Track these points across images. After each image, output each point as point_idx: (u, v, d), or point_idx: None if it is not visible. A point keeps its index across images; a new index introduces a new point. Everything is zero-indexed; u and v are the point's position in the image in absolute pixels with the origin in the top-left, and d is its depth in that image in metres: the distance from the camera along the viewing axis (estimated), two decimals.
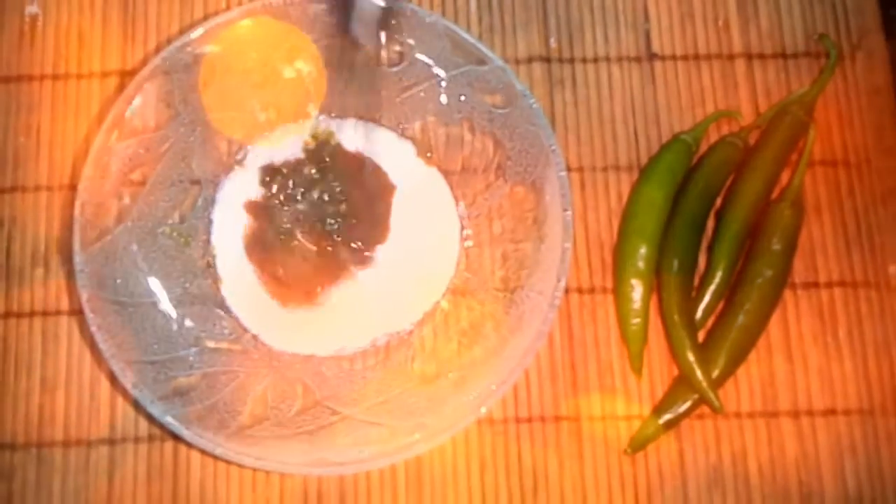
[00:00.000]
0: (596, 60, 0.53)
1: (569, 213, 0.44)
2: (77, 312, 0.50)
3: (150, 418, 0.48)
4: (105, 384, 0.49)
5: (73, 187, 0.52)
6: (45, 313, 0.50)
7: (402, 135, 0.50)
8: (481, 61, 0.47)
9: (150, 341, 0.46)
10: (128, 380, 0.42)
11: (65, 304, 0.50)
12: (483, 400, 0.42)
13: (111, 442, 0.48)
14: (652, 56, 0.54)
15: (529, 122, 0.45)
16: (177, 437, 0.47)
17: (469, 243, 0.49)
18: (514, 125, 0.47)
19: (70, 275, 0.50)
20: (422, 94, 0.49)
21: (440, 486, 0.47)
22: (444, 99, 0.49)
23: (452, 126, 0.50)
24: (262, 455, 0.41)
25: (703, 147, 0.51)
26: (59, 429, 0.48)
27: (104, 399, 0.49)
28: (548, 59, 0.53)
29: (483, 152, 0.49)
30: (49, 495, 0.47)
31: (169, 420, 0.43)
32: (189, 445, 0.47)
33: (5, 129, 0.52)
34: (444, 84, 0.49)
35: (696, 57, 0.54)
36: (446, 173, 0.50)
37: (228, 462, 0.44)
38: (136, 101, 0.46)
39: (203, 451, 0.47)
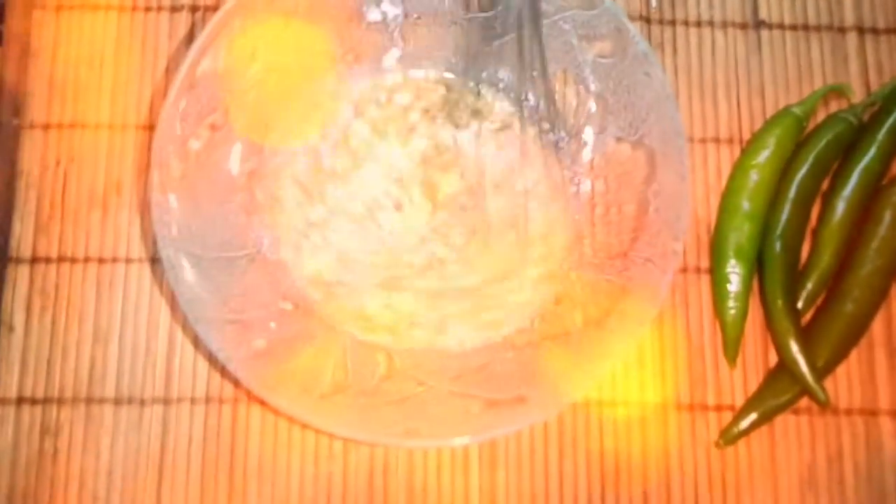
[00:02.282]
0: (699, 24, 0.48)
1: (685, 166, 0.38)
2: (135, 261, 0.45)
3: (209, 378, 0.44)
4: (163, 339, 0.44)
5: (136, 127, 0.47)
6: (100, 260, 0.45)
7: (494, 88, 0.45)
8: (589, 4, 0.41)
9: (225, 299, 0.40)
10: (211, 340, 0.37)
11: (122, 252, 0.45)
12: (590, 375, 0.37)
13: (166, 402, 0.43)
14: (759, 23, 0.48)
15: (641, 72, 0.40)
16: (236, 401, 0.43)
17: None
18: (621, 76, 0.41)
19: (130, 220, 0.45)
20: (515, 42, 0.44)
21: (515, 469, 0.43)
22: (541, 47, 0.43)
23: (543, 77, 0.44)
24: (347, 423, 0.36)
25: (812, 123, 0.46)
26: (111, 385, 0.43)
27: (161, 355, 0.44)
28: (647, 20, 0.48)
29: (581, 107, 0.43)
30: (97, 454, 0.43)
31: (253, 383, 0.37)
32: (254, 408, 0.42)
33: (66, 60, 0.47)
34: (543, 31, 0.43)
35: (806, 27, 0.48)
36: (541, 129, 0.45)
37: (309, 428, 0.40)
38: (216, 42, 0.41)
39: (265, 417, 0.43)
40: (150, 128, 0.47)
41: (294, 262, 0.43)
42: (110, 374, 0.44)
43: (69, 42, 0.48)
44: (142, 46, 0.48)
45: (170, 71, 0.47)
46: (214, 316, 0.39)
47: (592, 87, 0.43)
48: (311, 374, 0.39)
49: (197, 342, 0.44)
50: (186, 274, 0.39)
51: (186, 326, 0.44)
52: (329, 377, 0.39)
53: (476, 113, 0.45)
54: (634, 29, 0.40)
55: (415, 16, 0.45)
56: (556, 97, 0.44)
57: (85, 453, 0.43)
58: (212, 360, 0.44)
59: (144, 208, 0.46)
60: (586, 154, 0.43)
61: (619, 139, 0.42)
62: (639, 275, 0.38)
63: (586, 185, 0.43)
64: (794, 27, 0.48)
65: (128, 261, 0.45)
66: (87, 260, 0.45)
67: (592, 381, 0.37)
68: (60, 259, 0.45)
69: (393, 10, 0.45)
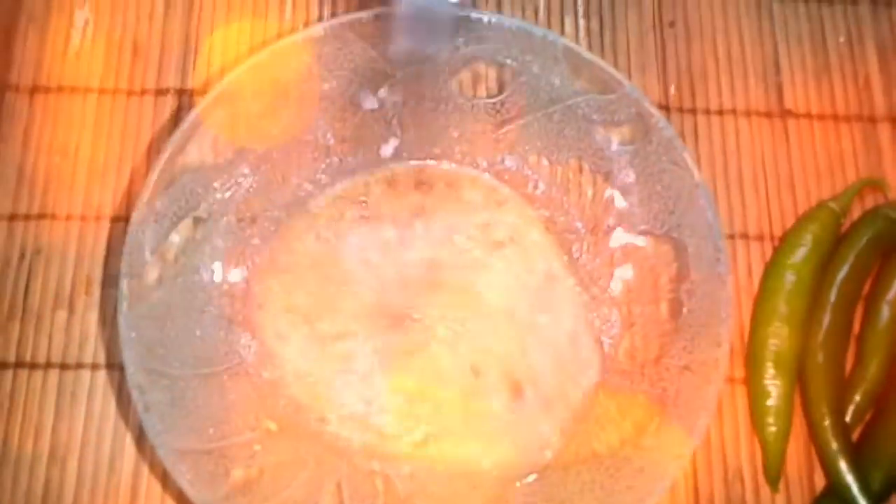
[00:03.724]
0: (721, 113, 0.45)
1: (725, 261, 0.34)
2: (101, 367, 0.40)
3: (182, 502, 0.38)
4: (129, 460, 0.38)
5: (112, 219, 0.42)
6: (63, 366, 0.40)
7: (498, 178, 0.41)
8: (607, 88, 0.37)
9: (201, 424, 0.35)
10: (182, 474, 0.32)
11: (88, 358, 0.40)
12: None
13: None
14: (785, 112, 0.45)
15: (667, 160, 0.36)
16: None
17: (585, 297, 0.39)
18: (644, 164, 0.37)
19: (100, 322, 0.40)
20: (524, 128, 0.40)
21: None
22: (552, 134, 0.40)
23: (559, 166, 0.40)
24: None
25: (846, 222, 0.42)
26: None
27: (125, 479, 0.38)
28: (667, 108, 0.44)
29: (599, 197, 0.39)
30: None
31: None
32: None
33: (38, 147, 0.43)
34: (555, 116, 0.39)
35: (835, 117, 0.45)
36: (550, 222, 0.41)
37: None
38: (199, 132, 0.37)
39: None
40: (127, 219, 0.42)
41: (281, 377, 0.38)
42: (67, 495, 0.38)
43: (43, 126, 0.44)
44: (122, 132, 0.44)
45: (151, 158, 0.43)
46: (187, 446, 0.34)
47: (612, 175, 0.38)
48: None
49: None
50: (156, 397, 0.34)
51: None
52: None
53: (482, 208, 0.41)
54: (658, 113, 0.36)
55: (413, 102, 0.41)
56: (570, 186, 0.40)
57: None
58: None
59: (115, 312, 0.41)
60: (606, 247, 0.39)
61: (643, 233, 0.38)
62: (676, 386, 0.33)
63: (607, 284, 0.38)
64: (822, 117, 0.45)
65: (94, 367, 0.40)
66: (48, 366, 0.40)
67: None
68: (18, 364, 0.40)
69: (391, 98, 0.41)
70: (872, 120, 0.45)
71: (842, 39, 0.46)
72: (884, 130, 0.45)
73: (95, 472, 0.38)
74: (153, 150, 0.43)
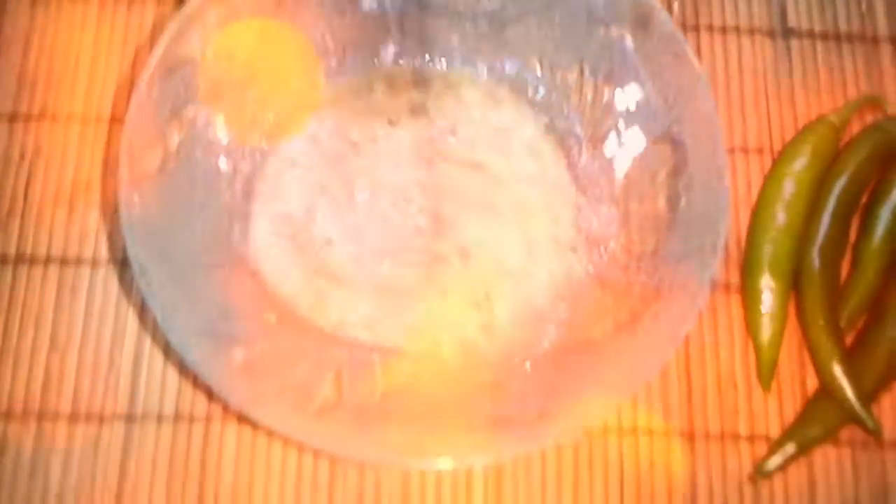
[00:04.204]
0: (724, 31, 0.45)
1: (722, 152, 0.34)
2: (101, 263, 0.40)
3: (179, 394, 0.38)
4: (128, 350, 0.39)
5: (110, 121, 0.42)
6: (63, 261, 0.40)
7: (498, 79, 0.41)
8: None
9: (205, 310, 0.35)
10: (187, 352, 0.32)
11: (88, 253, 0.40)
12: (619, 388, 0.32)
13: (129, 419, 0.38)
14: (788, 31, 0.45)
15: (669, 53, 0.36)
16: (209, 419, 0.38)
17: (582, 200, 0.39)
18: (644, 61, 0.37)
19: (99, 220, 0.41)
20: (525, 31, 0.40)
21: (524, 499, 0.37)
22: (553, 37, 0.39)
23: (560, 69, 0.40)
24: (345, 441, 0.31)
25: (846, 136, 0.42)
26: (67, 398, 0.38)
27: (125, 368, 0.38)
28: None
29: (597, 99, 0.39)
30: (46, 476, 0.37)
31: (236, 400, 0.32)
32: (229, 428, 0.37)
33: (39, 51, 0.43)
34: (556, 18, 0.39)
35: (837, 37, 0.45)
36: (549, 127, 0.41)
37: (291, 451, 0.36)
38: (197, 25, 0.37)
39: (242, 438, 0.37)
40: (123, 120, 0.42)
41: (281, 271, 0.38)
42: (67, 386, 0.38)
43: (44, 33, 0.44)
44: (123, 38, 0.44)
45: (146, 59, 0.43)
46: (191, 326, 0.34)
47: (612, 76, 0.38)
48: (303, 390, 0.34)
49: (167, 354, 0.39)
50: (158, 280, 0.34)
51: (156, 337, 0.39)
52: (323, 393, 0.34)
53: (480, 106, 0.41)
54: (659, 6, 0.36)
55: (415, 6, 0.41)
56: (571, 90, 0.40)
57: (33, 476, 0.37)
58: (183, 374, 0.38)
59: (115, 208, 0.41)
60: (607, 148, 0.39)
61: (643, 130, 0.38)
62: (673, 276, 0.34)
63: (606, 185, 0.39)
64: (824, 36, 0.45)
65: (94, 263, 0.40)
66: (48, 261, 0.40)
67: (621, 396, 0.32)
68: (18, 259, 0.40)
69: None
70: (875, 40, 0.45)
71: None
72: (885, 51, 0.45)
73: (95, 361, 0.38)
74: (147, 51, 0.43)
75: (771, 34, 0.45)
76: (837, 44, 0.45)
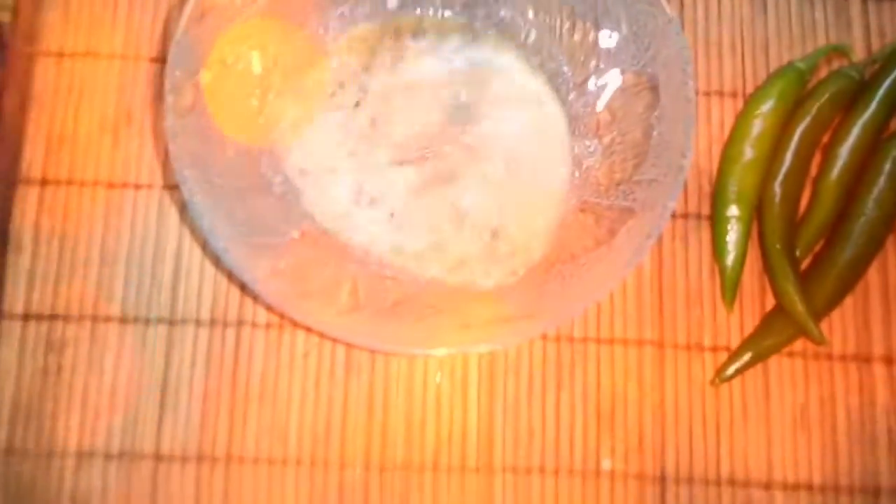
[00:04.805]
0: None
1: (690, 86, 0.38)
2: (143, 187, 0.45)
3: (214, 302, 0.44)
4: (169, 263, 0.44)
5: (149, 59, 0.47)
6: (109, 185, 0.45)
7: (496, 28, 0.45)
8: None
9: (239, 224, 0.40)
10: (230, 258, 0.37)
11: (132, 178, 0.45)
12: (598, 290, 0.37)
13: (171, 322, 0.43)
14: None
15: (644, 2, 0.40)
16: (240, 324, 0.43)
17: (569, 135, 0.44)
18: (623, 6, 0.41)
19: (140, 148, 0.45)
20: None
21: (513, 400, 0.43)
22: None
23: (546, 14, 0.44)
24: (365, 335, 0.36)
25: (814, 81, 0.47)
26: (117, 304, 0.43)
27: (166, 278, 0.44)
28: None
29: (584, 42, 0.43)
30: (101, 372, 0.42)
31: (275, 299, 0.37)
32: (257, 332, 0.42)
33: None
34: None
35: None
36: (540, 68, 0.45)
37: (335, 341, 0.41)
38: None
39: (269, 341, 0.43)
40: (162, 61, 0.47)
41: (303, 201, 0.43)
42: (116, 293, 0.43)
43: None
44: None
45: (183, 4, 0.47)
46: (231, 235, 0.39)
47: (596, 19, 0.43)
48: (328, 294, 0.39)
49: (203, 267, 0.44)
50: (201, 195, 0.39)
51: (193, 251, 0.44)
52: (344, 298, 0.39)
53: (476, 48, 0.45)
54: None
55: None
56: (561, 34, 0.44)
57: (89, 371, 0.42)
58: (217, 283, 0.44)
59: (154, 137, 0.46)
60: (590, 86, 0.43)
61: (623, 69, 0.42)
62: (645, 196, 0.39)
63: (591, 120, 0.43)
64: None
65: (136, 187, 0.45)
66: (95, 184, 0.45)
67: (597, 297, 0.38)
68: (70, 182, 0.45)
69: None
70: None
71: None
72: (854, 3, 0.49)
73: (140, 272, 0.44)
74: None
75: None
76: None
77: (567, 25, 0.43)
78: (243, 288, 0.43)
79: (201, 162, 0.39)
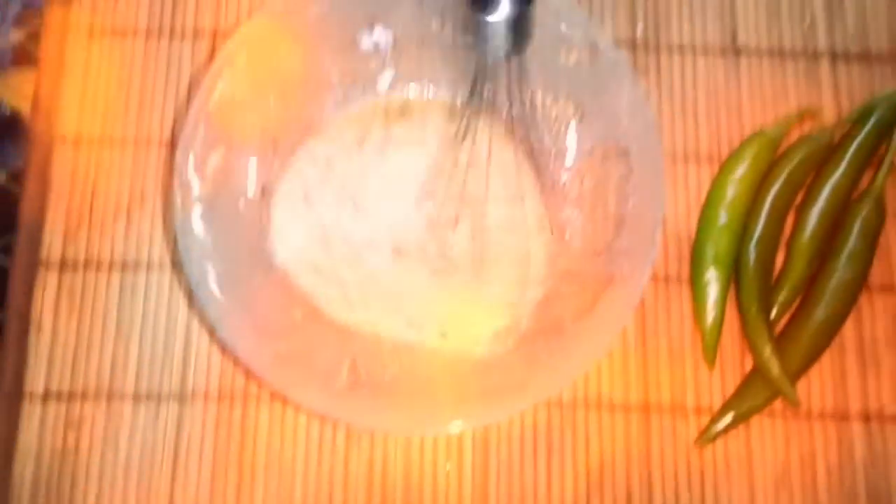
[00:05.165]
0: (682, 50, 0.47)
1: (660, 159, 0.38)
2: (155, 266, 0.44)
3: (222, 377, 0.43)
4: (180, 340, 0.44)
5: (159, 144, 0.47)
6: (123, 265, 0.45)
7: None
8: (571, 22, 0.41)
9: (247, 308, 0.40)
10: (237, 347, 0.37)
11: (144, 257, 0.45)
12: (582, 362, 0.36)
13: (181, 398, 0.43)
14: (737, 49, 0.47)
15: (614, 76, 0.40)
16: (246, 398, 0.42)
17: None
18: (596, 82, 0.41)
19: (152, 229, 0.45)
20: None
21: (506, 464, 0.42)
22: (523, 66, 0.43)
23: (529, 90, 0.43)
24: (365, 415, 0.37)
25: (787, 143, 0.45)
26: (131, 381, 0.43)
27: (177, 355, 0.44)
28: (634, 45, 0.47)
29: (561, 114, 0.43)
30: (116, 448, 0.42)
31: (277, 383, 0.37)
32: (263, 406, 0.41)
33: (97, 80, 0.47)
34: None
35: (782, 53, 0.47)
36: (522, 141, 0.44)
37: (313, 424, 0.41)
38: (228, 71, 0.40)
39: (273, 414, 0.42)
40: (172, 144, 0.46)
41: (301, 277, 0.42)
42: (130, 370, 0.44)
43: (100, 64, 0.48)
44: (166, 69, 0.48)
45: (191, 92, 0.46)
46: (239, 324, 0.38)
47: (571, 95, 0.42)
48: (329, 374, 0.39)
49: (211, 342, 0.43)
50: (211, 286, 0.38)
51: (202, 328, 0.43)
52: (345, 376, 0.38)
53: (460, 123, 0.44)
54: (606, 39, 0.40)
55: (405, 40, 0.43)
56: (539, 107, 0.43)
57: (105, 447, 0.42)
58: (225, 359, 0.43)
59: (165, 220, 0.45)
60: (569, 158, 0.42)
61: (598, 141, 0.42)
62: (622, 265, 0.38)
63: (568, 190, 0.42)
64: (770, 53, 0.47)
65: (149, 266, 0.45)
66: (111, 265, 0.44)
67: (584, 367, 0.36)
68: (87, 264, 0.44)
69: (385, 37, 0.43)
70: (815, 55, 0.47)
71: None
72: (824, 65, 0.47)
73: (153, 349, 0.44)
74: (194, 84, 0.47)
75: (723, 52, 0.47)
76: (782, 59, 0.47)
77: (545, 102, 0.41)
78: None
79: (208, 252, 0.38)
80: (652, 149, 0.39)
